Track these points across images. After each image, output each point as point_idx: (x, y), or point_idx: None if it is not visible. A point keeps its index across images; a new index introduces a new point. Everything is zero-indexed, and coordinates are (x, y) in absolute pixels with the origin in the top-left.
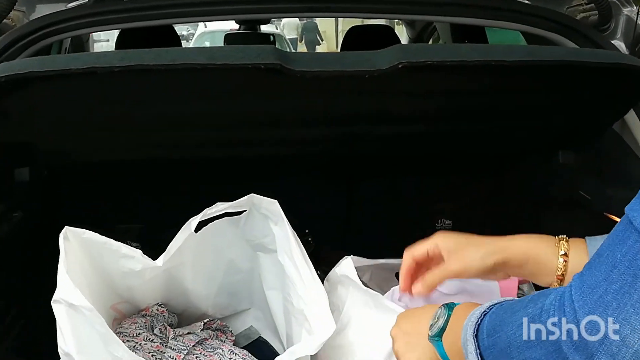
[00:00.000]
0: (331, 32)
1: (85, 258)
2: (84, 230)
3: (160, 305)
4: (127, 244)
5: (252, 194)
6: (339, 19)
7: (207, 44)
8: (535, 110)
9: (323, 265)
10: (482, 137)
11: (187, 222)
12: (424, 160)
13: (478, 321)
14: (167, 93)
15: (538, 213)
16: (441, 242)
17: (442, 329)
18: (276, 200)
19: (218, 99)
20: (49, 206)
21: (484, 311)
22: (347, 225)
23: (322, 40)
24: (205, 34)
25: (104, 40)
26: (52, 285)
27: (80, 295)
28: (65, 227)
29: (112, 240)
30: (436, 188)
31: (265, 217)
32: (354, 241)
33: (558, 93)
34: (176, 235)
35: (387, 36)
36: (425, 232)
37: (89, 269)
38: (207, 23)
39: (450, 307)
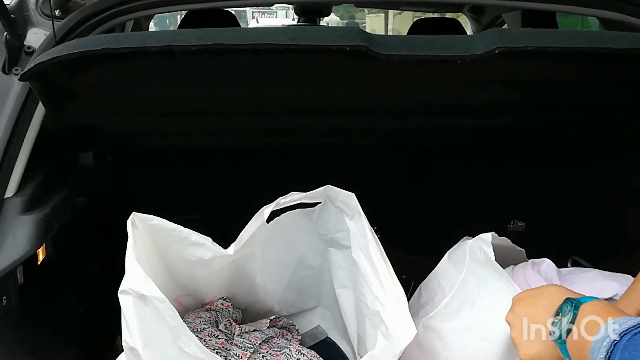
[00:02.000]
0: (380, 30)
1: (152, 246)
2: (152, 216)
3: (225, 299)
4: None
5: (329, 186)
6: (389, 17)
7: None
8: (633, 102)
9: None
10: (569, 131)
11: (260, 211)
12: (501, 156)
13: (610, 347)
14: (245, 75)
15: (629, 218)
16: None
17: (567, 331)
18: (353, 194)
19: (297, 83)
20: (114, 192)
21: (621, 335)
22: (414, 222)
23: None
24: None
25: None
26: (117, 274)
27: (153, 285)
28: (133, 213)
29: (181, 227)
30: (511, 187)
31: (340, 210)
32: (419, 239)
33: None
34: (248, 224)
35: (454, 30)
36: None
37: (155, 258)
38: (259, 19)
39: (576, 304)
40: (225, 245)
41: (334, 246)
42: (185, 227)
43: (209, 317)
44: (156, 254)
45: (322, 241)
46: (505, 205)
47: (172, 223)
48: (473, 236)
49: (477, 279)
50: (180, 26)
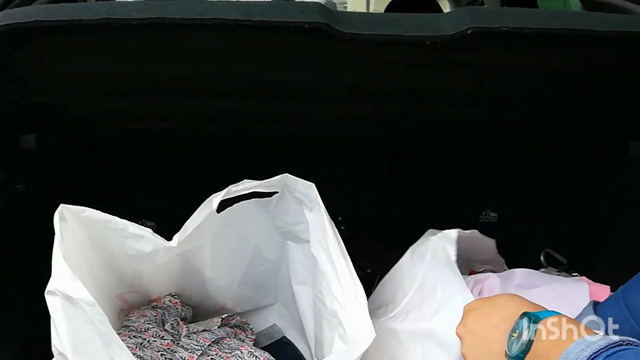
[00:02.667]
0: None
1: (86, 240)
2: (84, 208)
3: (173, 296)
4: (141, 223)
5: (286, 174)
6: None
7: None
8: (614, 92)
9: (357, 258)
10: (547, 121)
11: (209, 199)
12: (475, 145)
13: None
14: (191, 53)
15: (600, 211)
16: None
17: (526, 349)
18: (313, 184)
19: (250, 63)
20: (59, 179)
21: (598, 352)
22: (385, 213)
23: None
24: None
25: None
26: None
27: (80, 287)
28: (62, 205)
29: (116, 219)
30: (484, 177)
31: (299, 201)
32: (391, 231)
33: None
34: (194, 213)
35: (432, 11)
36: (468, 227)
37: (90, 253)
38: None
39: (534, 319)
40: None
41: (292, 239)
42: (142, 214)
43: (155, 316)
44: (92, 248)
45: (280, 234)
46: (477, 196)
47: (106, 214)
48: (442, 228)
49: (435, 280)
50: None
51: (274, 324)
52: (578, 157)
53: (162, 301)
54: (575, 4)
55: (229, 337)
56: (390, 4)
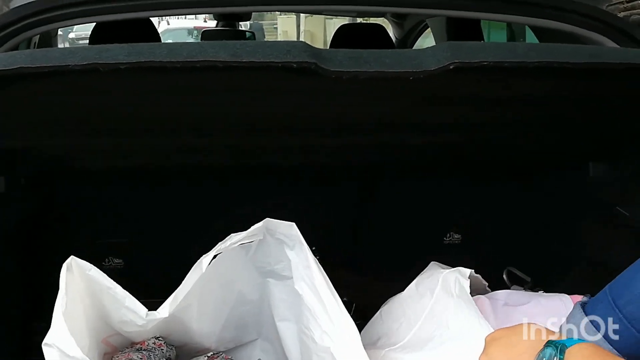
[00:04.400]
0: (292, 31)
1: (85, 291)
2: (90, 265)
3: (157, 338)
4: (109, 260)
5: (267, 219)
6: (300, 19)
7: (170, 42)
8: (578, 117)
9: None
10: (514, 146)
11: (198, 262)
12: (443, 170)
13: None
14: (179, 94)
15: (564, 229)
16: None
17: None
18: (294, 224)
19: (237, 101)
20: (26, 217)
21: None
22: (355, 242)
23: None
24: (168, 31)
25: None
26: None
27: (75, 346)
28: (71, 257)
29: (117, 287)
30: (449, 201)
31: (280, 242)
32: (361, 256)
33: (619, 99)
34: (186, 278)
35: (379, 35)
36: (433, 248)
37: (86, 302)
38: (169, 20)
39: (560, 348)
40: (153, 271)
41: (273, 277)
42: (109, 252)
43: (140, 358)
44: (89, 298)
45: (261, 274)
46: (442, 219)
47: (109, 280)
48: (410, 251)
49: (446, 311)
50: (92, 36)
51: (259, 359)
52: (541, 178)
53: (146, 343)
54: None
55: None
56: (339, 29)
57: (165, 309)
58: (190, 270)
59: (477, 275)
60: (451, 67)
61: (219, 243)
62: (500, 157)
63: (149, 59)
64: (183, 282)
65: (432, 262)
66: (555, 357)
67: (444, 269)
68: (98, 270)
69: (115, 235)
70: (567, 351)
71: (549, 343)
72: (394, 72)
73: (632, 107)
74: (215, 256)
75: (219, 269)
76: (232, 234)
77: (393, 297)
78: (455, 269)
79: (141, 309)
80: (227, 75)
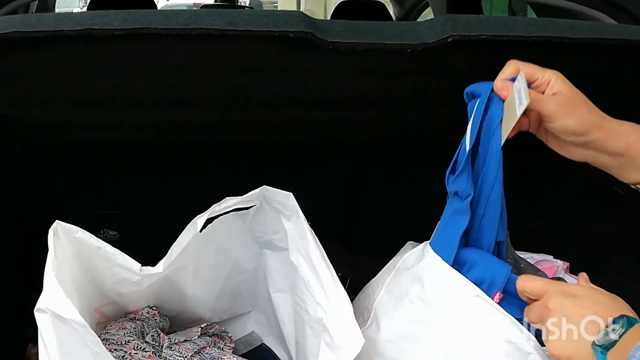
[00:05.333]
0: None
1: (75, 256)
2: (77, 228)
3: (151, 307)
4: (104, 232)
5: (265, 186)
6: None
7: None
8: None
9: None
10: None
11: (193, 221)
12: (440, 147)
13: None
14: (174, 63)
15: (558, 210)
16: (559, 81)
17: (613, 343)
18: (291, 194)
19: (232, 72)
20: (22, 188)
21: None
22: (351, 218)
23: None
24: (167, 7)
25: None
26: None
27: (72, 307)
28: (57, 222)
29: (107, 246)
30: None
31: (277, 211)
32: (356, 233)
33: (615, 78)
34: (180, 237)
35: (378, 13)
36: (429, 225)
37: (76, 269)
38: None
39: (631, 321)
40: (149, 244)
41: (269, 248)
42: (103, 224)
43: (134, 328)
44: (78, 264)
45: (258, 243)
46: (439, 202)
47: (98, 240)
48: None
49: (400, 286)
50: (89, 7)
51: (253, 331)
52: (535, 158)
53: (140, 313)
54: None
55: (209, 347)
56: (339, 5)
57: (159, 266)
58: (185, 229)
59: None
60: (449, 39)
61: (214, 205)
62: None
63: (144, 25)
64: (177, 240)
65: (408, 243)
66: (623, 327)
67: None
68: (85, 232)
69: (110, 207)
70: (635, 326)
71: (623, 316)
72: (391, 43)
73: (628, 86)
74: (211, 220)
75: (215, 234)
76: (227, 197)
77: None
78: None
79: (134, 264)
80: (223, 46)
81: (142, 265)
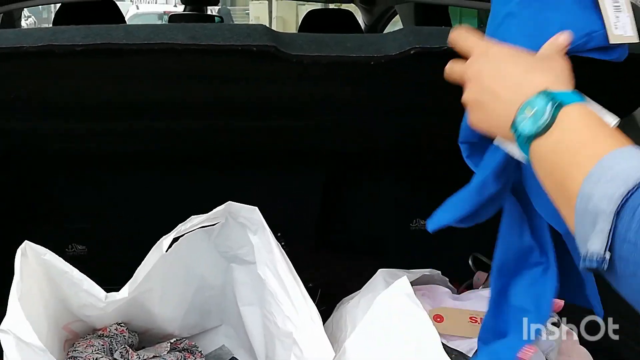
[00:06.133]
0: (264, 17)
1: (43, 276)
2: (46, 250)
3: (119, 324)
4: (72, 247)
5: (230, 202)
6: (273, 5)
7: None
8: None
9: (297, 272)
10: None
11: (158, 243)
12: (408, 155)
13: (628, 194)
14: (137, 76)
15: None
16: None
17: (541, 132)
18: (256, 208)
19: (196, 84)
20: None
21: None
22: (321, 224)
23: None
24: (136, 16)
25: None
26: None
27: (31, 332)
28: (25, 242)
29: (75, 271)
30: (414, 186)
31: (242, 226)
32: (327, 242)
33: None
34: (145, 259)
35: (347, 21)
36: (400, 234)
37: (45, 287)
38: (139, 5)
39: (557, 104)
40: (117, 259)
41: (236, 262)
42: (71, 238)
43: (102, 345)
44: (47, 283)
45: (224, 258)
46: (408, 205)
47: (66, 264)
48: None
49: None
50: (55, 18)
51: (223, 345)
52: None
53: (108, 330)
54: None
55: None
56: (308, 14)
57: (125, 290)
58: (150, 251)
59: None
60: (412, 52)
61: (180, 224)
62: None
63: (106, 41)
64: (143, 262)
65: (380, 270)
66: (549, 112)
67: (388, 279)
68: (53, 254)
69: (78, 221)
70: (563, 110)
71: (542, 93)
72: (355, 56)
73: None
74: (177, 239)
75: (181, 252)
76: (192, 216)
77: (345, 299)
78: (395, 284)
79: (99, 291)
80: (187, 58)
81: (108, 286)
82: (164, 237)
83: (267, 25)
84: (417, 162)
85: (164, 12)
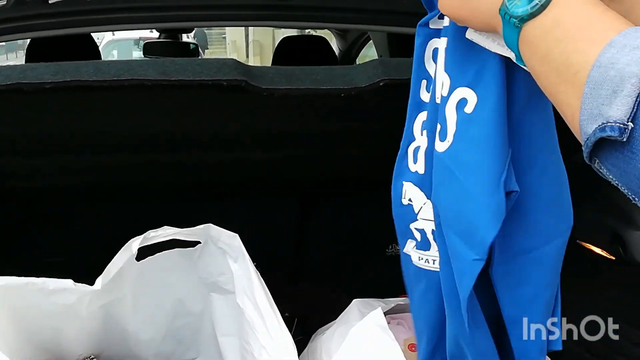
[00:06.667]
0: (241, 42)
1: (4, 309)
2: (2, 277)
3: (91, 358)
4: None
5: (209, 224)
6: (249, 29)
7: (115, 53)
8: None
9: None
10: None
11: (127, 244)
12: (382, 182)
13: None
14: (108, 112)
15: None
16: None
17: (536, 12)
18: (237, 234)
19: (168, 118)
20: None
21: None
22: (297, 253)
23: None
24: (112, 42)
25: None
26: None
27: None
28: None
29: (34, 279)
30: (389, 212)
31: (223, 252)
32: (304, 270)
33: None
34: (114, 258)
35: (321, 48)
36: (376, 260)
37: (6, 323)
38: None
39: None
40: None
41: (216, 291)
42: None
43: None
44: (10, 316)
45: (205, 285)
46: (383, 231)
47: (23, 278)
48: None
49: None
50: (27, 53)
51: None
52: None
53: None
54: None
55: None
56: (282, 41)
57: (97, 283)
58: (120, 251)
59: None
60: (381, 83)
61: (151, 230)
62: None
63: (76, 78)
64: (113, 260)
65: (354, 301)
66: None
67: (363, 310)
68: (8, 277)
69: (51, 254)
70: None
71: None
72: (325, 89)
73: None
74: (153, 252)
75: (157, 268)
76: (166, 226)
77: (321, 330)
78: (369, 317)
79: (67, 282)
80: (157, 93)
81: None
82: (132, 239)
83: (246, 47)
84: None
85: (140, 37)
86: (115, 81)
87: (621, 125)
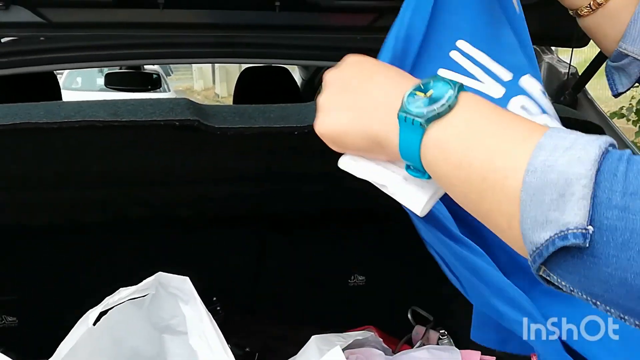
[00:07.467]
0: (207, 68)
1: None
2: None
3: None
4: (3, 319)
5: (160, 273)
6: None
7: (79, 80)
8: None
9: (234, 337)
10: None
11: (84, 316)
12: (341, 216)
13: (602, 156)
14: (58, 152)
15: None
16: None
17: (443, 110)
18: (187, 278)
19: (120, 157)
20: None
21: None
22: (257, 286)
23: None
24: (77, 70)
25: None
26: None
27: None
28: None
29: None
30: (350, 243)
31: (173, 296)
32: (264, 303)
33: None
34: (70, 333)
35: (283, 78)
36: (338, 291)
37: None
38: None
39: (459, 86)
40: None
41: (168, 332)
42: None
43: None
44: None
45: (157, 329)
46: (345, 262)
47: None
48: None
49: None
50: None
51: None
52: None
53: None
54: None
55: None
56: (244, 71)
57: None
58: (76, 325)
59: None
60: None
61: (107, 297)
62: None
63: (25, 120)
64: (67, 336)
65: (313, 337)
66: (449, 92)
67: (322, 346)
68: None
69: (6, 292)
70: (464, 93)
71: (436, 76)
72: (278, 127)
73: None
74: (106, 312)
75: (111, 325)
76: (121, 289)
77: None
78: (327, 356)
79: None
80: (109, 132)
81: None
82: (90, 310)
83: (212, 74)
84: (351, 222)
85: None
86: (66, 123)
87: (583, 231)
